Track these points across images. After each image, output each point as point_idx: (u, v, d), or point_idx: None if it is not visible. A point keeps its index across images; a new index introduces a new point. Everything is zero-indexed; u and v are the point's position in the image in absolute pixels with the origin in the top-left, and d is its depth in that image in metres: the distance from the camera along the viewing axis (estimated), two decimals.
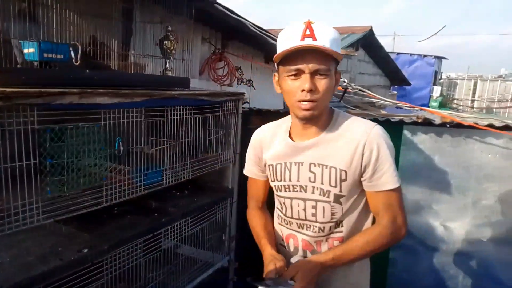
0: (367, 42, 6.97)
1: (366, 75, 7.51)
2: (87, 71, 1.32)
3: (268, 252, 1.23)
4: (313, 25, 1.06)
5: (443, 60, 16.96)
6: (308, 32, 1.05)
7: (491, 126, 2.47)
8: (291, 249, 1.31)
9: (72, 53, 1.32)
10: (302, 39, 1.06)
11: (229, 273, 2.58)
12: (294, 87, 1.10)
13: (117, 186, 1.47)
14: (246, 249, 1.94)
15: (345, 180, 1.15)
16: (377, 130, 1.15)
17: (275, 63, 1.18)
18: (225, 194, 2.33)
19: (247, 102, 2.42)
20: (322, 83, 1.09)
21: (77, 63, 1.33)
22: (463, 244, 2.80)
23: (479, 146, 2.60)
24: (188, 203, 2.05)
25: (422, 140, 2.79)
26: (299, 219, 1.26)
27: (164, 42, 1.88)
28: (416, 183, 2.88)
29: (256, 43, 3.30)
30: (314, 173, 1.19)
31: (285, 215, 1.29)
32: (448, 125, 2.64)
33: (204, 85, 2.88)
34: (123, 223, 1.72)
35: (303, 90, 1.08)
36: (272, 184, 1.31)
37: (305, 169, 1.20)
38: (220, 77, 3.02)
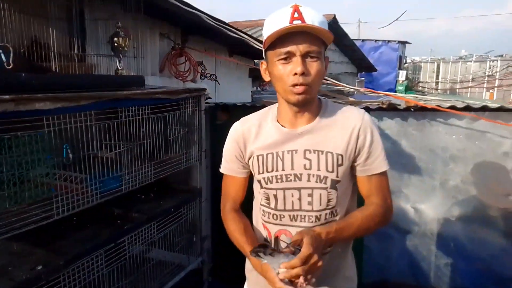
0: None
1: (333, 63, 7.56)
2: (23, 74, 1.20)
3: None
4: (301, 8, 1.05)
5: (406, 44, 17.36)
6: (296, 15, 1.03)
7: (453, 108, 2.50)
8: (283, 244, 1.21)
9: (2, 56, 1.20)
10: (291, 22, 1.03)
11: (203, 274, 2.51)
12: (285, 71, 1.07)
13: (69, 197, 1.36)
14: (225, 247, 1.87)
15: (342, 164, 1.15)
16: (369, 116, 1.18)
17: (263, 50, 1.14)
18: (193, 194, 2.25)
19: (209, 98, 2.34)
20: (314, 66, 1.07)
21: (10, 67, 1.21)
22: (434, 225, 2.86)
23: (443, 128, 2.64)
24: (153, 207, 1.96)
25: (388, 125, 2.81)
26: (292, 210, 1.19)
27: (115, 39, 1.76)
28: None
29: (218, 37, 3.21)
30: (310, 160, 1.15)
31: (275, 209, 1.21)
32: (412, 109, 2.66)
33: (167, 82, 2.77)
34: (83, 234, 1.61)
35: (295, 74, 1.05)
36: (260, 177, 1.22)
37: (300, 157, 1.16)
38: (182, 73, 2.91)
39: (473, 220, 2.72)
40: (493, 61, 18.47)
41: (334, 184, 1.16)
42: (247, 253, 1.16)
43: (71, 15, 1.66)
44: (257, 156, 1.21)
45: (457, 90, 18.61)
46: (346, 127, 1.15)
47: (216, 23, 2.70)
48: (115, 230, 1.65)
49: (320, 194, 1.16)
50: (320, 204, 1.17)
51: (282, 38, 1.05)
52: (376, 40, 15.64)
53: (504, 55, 18.84)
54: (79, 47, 1.56)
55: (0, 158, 1.12)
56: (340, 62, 7.99)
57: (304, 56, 1.06)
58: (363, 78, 12.72)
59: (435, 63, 21.02)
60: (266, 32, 1.09)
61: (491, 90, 17.47)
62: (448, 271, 2.88)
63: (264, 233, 1.27)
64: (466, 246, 2.80)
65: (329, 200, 1.17)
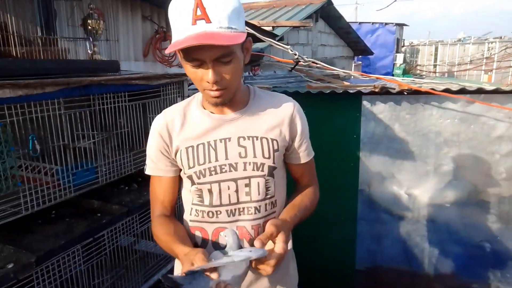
0: (326, 13, 6.82)
1: (328, 46, 7.41)
2: None
3: (183, 252, 0.99)
4: (204, 1, 0.88)
5: (404, 27, 17.11)
6: (199, 12, 0.88)
7: (447, 91, 2.42)
8: (222, 245, 1.13)
9: None
10: (194, 23, 0.89)
11: None
12: (197, 76, 0.97)
13: (39, 191, 1.29)
14: None
15: (277, 150, 1.12)
16: (298, 105, 1.19)
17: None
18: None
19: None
20: (227, 69, 0.96)
21: None
22: (428, 210, 2.82)
23: (437, 111, 2.57)
24: (135, 198, 1.89)
25: (381, 109, 2.73)
26: (230, 204, 1.11)
27: (88, 21, 1.66)
28: (378, 154, 2.84)
29: None
30: (245, 147, 1.09)
31: (210, 205, 1.11)
32: (405, 93, 2.58)
33: (150, 67, 2.67)
34: (59, 229, 1.54)
35: (208, 82, 0.96)
36: (190, 171, 1.10)
37: (234, 145, 1.09)
38: (167, 58, 2.80)
39: (466, 205, 2.68)
40: (491, 43, 18.28)
41: (271, 171, 1.12)
42: (175, 250, 1.03)
43: None
44: (186, 149, 1.10)
45: (455, 73, 18.48)
46: (278, 114, 1.13)
47: None
48: (93, 224, 1.58)
49: (258, 183, 1.10)
50: (259, 194, 1.11)
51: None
52: (373, 23, 15.41)
53: (502, 37, 18.64)
54: (43, 29, 1.45)
55: None
56: (335, 45, 7.84)
57: (216, 60, 0.94)
58: (360, 62, 12.55)
59: (433, 46, 20.80)
60: (172, 27, 0.95)
61: (489, 73, 17.34)
62: (441, 256, 2.86)
63: (199, 237, 1.16)
64: (460, 231, 2.77)
65: (267, 189, 1.12)
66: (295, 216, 1.10)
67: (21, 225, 1.48)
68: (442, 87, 2.51)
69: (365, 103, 2.77)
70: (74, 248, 1.46)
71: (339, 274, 3.14)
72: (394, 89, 2.69)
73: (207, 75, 0.94)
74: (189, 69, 0.97)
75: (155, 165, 1.15)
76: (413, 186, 2.81)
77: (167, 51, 0.94)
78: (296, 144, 1.16)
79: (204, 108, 1.12)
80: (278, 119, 1.12)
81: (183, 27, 0.90)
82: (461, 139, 2.54)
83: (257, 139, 1.10)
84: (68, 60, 1.46)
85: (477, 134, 2.49)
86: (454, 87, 2.50)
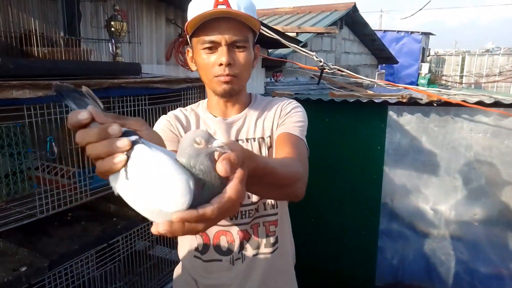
0: (351, 20, 6.71)
1: (351, 54, 7.28)
2: None
3: None
4: None
5: (430, 36, 16.73)
6: None
7: (480, 103, 2.29)
8: (224, 248, 1.12)
9: None
10: (215, 6, 0.94)
11: None
12: (210, 61, 0.99)
13: (55, 194, 1.26)
14: None
15: (271, 146, 1.11)
16: (294, 101, 1.15)
17: (188, 36, 1.04)
18: None
19: None
20: (241, 56, 1.00)
21: None
22: (454, 228, 2.69)
23: (468, 124, 2.45)
24: None
25: (408, 120, 2.63)
26: None
27: (112, 23, 1.64)
28: (403, 166, 2.74)
29: None
30: None
31: None
32: (435, 104, 2.47)
33: (172, 71, 2.65)
34: (74, 232, 1.51)
35: (221, 64, 0.98)
36: None
37: None
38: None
39: (496, 224, 2.54)
40: None
41: None
42: None
43: None
44: None
45: (483, 84, 17.92)
46: (273, 110, 1.13)
47: None
48: (109, 229, 1.54)
49: None
50: None
51: (206, 25, 0.96)
52: (398, 31, 15.12)
53: None
54: (66, 30, 1.44)
55: None
56: (359, 53, 7.70)
57: (231, 45, 0.98)
58: (383, 71, 12.32)
59: (460, 56, 20.26)
60: (189, 17, 0.98)
61: None
62: (467, 276, 2.71)
63: (200, 241, 1.13)
64: (488, 251, 2.63)
65: None
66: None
67: (37, 227, 1.46)
68: (475, 99, 2.39)
69: (391, 113, 2.67)
70: (88, 253, 1.43)
71: None
72: (422, 99, 2.58)
73: (220, 57, 0.97)
74: (202, 56, 0.99)
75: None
76: (440, 202, 2.69)
77: (187, 29, 0.97)
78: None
79: (209, 112, 1.14)
80: (272, 115, 1.12)
81: (203, 10, 0.93)
82: (493, 154, 2.41)
83: (254, 141, 1.10)
84: (89, 62, 1.44)
85: (511, 150, 2.35)
86: (487, 100, 2.38)
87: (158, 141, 0.61)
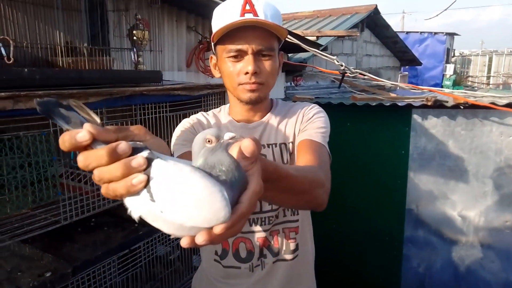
0: (373, 22, 6.60)
1: (373, 57, 7.16)
2: (25, 70, 1.12)
3: None
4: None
5: (455, 36, 16.30)
6: (248, 7, 0.94)
7: (510, 105, 2.20)
8: (243, 255, 1.11)
9: (2, 49, 1.12)
10: (242, 15, 0.94)
11: None
12: (236, 70, 0.99)
13: (78, 201, 1.28)
14: None
15: (293, 153, 1.10)
16: (315, 105, 1.14)
17: (212, 44, 1.04)
18: None
19: None
20: (267, 64, 1.00)
21: (10, 62, 1.13)
22: (484, 235, 2.58)
23: (497, 128, 2.35)
24: None
25: (434, 124, 2.55)
26: (252, 213, 1.04)
27: (134, 32, 1.67)
28: (429, 171, 2.65)
29: None
30: (265, 156, 1.08)
31: None
32: (462, 107, 2.38)
33: (193, 77, 2.67)
34: (97, 238, 1.54)
35: (247, 73, 0.98)
36: None
37: None
38: (209, 68, 2.80)
39: None
40: None
41: None
42: None
43: (80, 5, 1.57)
44: None
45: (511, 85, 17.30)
46: (295, 115, 1.12)
47: None
48: (131, 235, 1.56)
49: None
50: None
51: (232, 33, 0.96)
52: (421, 32, 14.80)
53: None
54: (89, 40, 1.47)
55: (0, 159, 1.04)
56: (381, 55, 7.57)
57: (257, 54, 0.98)
58: (407, 73, 12.06)
59: (487, 56, 19.64)
60: (215, 25, 0.98)
61: None
62: (499, 286, 2.59)
63: (219, 247, 1.12)
64: None
65: None
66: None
67: (62, 233, 1.49)
68: (504, 101, 2.29)
69: (415, 116, 2.60)
70: (110, 259, 1.44)
71: None
72: (447, 102, 2.50)
73: (246, 66, 0.97)
74: (227, 64, 0.99)
75: (183, 145, 1.04)
76: (468, 208, 2.59)
77: (213, 37, 0.98)
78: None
79: (230, 117, 1.13)
80: (294, 120, 1.11)
81: (230, 19, 0.94)
82: None
83: (276, 146, 1.10)
84: (112, 71, 1.47)
85: None
86: None
87: (162, 147, 0.61)
